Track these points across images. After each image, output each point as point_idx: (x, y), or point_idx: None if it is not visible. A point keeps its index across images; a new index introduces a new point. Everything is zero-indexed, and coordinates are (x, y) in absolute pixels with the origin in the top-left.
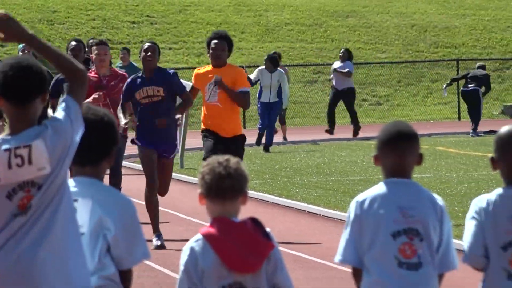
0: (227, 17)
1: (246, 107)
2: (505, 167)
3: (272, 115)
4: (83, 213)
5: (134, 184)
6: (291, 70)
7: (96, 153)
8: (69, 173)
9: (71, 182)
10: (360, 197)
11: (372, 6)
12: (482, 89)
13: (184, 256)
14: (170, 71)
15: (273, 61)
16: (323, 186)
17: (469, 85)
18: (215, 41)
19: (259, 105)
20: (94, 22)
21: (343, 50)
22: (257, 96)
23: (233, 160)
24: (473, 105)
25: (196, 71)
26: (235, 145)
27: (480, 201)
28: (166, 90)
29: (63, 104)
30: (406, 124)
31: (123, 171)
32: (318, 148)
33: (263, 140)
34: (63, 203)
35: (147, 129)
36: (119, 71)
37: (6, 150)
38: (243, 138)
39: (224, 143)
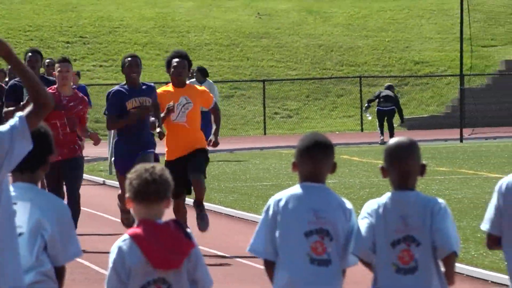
0: (152, 38)
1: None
2: (392, 175)
3: (203, 123)
4: (22, 214)
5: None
6: None
7: (33, 161)
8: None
9: (10, 188)
10: (277, 196)
11: (284, 29)
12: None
13: (112, 255)
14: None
15: (203, 72)
16: (238, 191)
17: (386, 104)
18: (177, 59)
19: None
20: (32, 42)
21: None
22: None
23: (158, 167)
24: (388, 121)
25: (158, 91)
26: (197, 155)
27: (371, 204)
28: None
29: (14, 120)
30: (323, 136)
31: None
32: (234, 157)
33: None
34: (1, 206)
35: (131, 138)
36: (79, 94)
37: None
38: (205, 151)
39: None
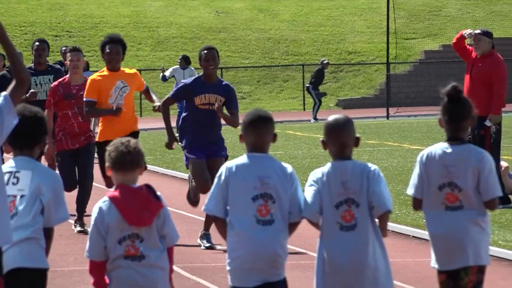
0: (128, 32)
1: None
2: (332, 147)
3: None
4: (25, 180)
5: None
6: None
7: (31, 140)
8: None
9: (12, 161)
10: (228, 164)
11: (238, 24)
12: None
13: (94, 214)
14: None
15: (187, 60)
16: None
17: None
18: (110, 45)
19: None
20: (26, 36)
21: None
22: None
23: (133, 141)
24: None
25: (92, 77)
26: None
27: (316, 173)
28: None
29: (1, 99)
30: (264, 111)
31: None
32: None
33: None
34: None
35: (200, 132)
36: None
37: None
38: (137, 133)
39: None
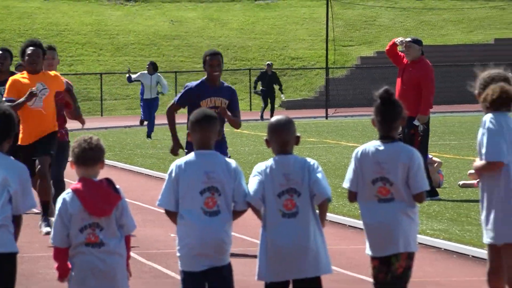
0: (90, 39)
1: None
2: (274, 145)
3: (153, 109)
4: None
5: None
6: None
7: (1, 136)
8: None
9: None
10: (178, 161)
11: (191, 32)
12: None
13: (58, 204)
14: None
15: (154, 66)
16: (155, 157)
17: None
18: (32, 48)
19: (141, 102)
20: None
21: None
22: (140, 93)
23: (95, 138)
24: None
25: (13, 77)
26: (48, 139)
27: (260, 165)
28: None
29: None
30: (209, 110)
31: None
32: (156, 130)
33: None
34: None
35: None
36: (64, 79)
37: None
38: (56, 133)
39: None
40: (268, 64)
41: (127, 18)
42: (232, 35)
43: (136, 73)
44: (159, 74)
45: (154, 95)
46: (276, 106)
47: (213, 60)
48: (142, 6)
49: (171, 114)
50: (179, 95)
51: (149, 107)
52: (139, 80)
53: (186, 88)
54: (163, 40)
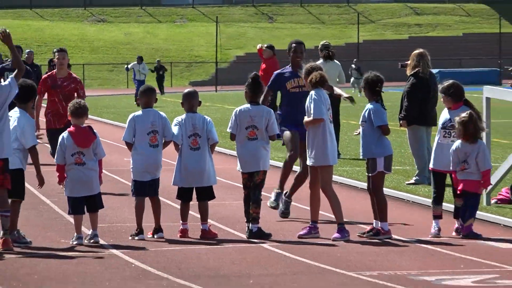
0: (76, 44)
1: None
2: (186, 106)
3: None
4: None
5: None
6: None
7: (26, 98)
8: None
9: (16, 110)
10: (134, 114)
11: (136, 40)
12: None
13: (60, 139)
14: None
15: (141, 58)
16: (118, 113)
17: None
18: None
19: (136, 83)
20: None
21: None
22: (132, 77)
23: (83, 101)
24: None
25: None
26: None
27: (178, 118)
28: None
29: (10, 78)
30: (149, 85)
31: None
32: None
33: None
34: (5, 114)
35: (295, 114)
36: (73, 75)
37: None
38: None
39: None
40: (158, 60)
41: (100, 31)
42: (161, 42)
43: (129, 63)
44: (144, 63)
45: (142, 77)
46: (186, 84)
47: (297, 48)
48: (107, 24)
49: (265, 100)
50: (269, 82)
51: (140, 84)
52: (132, 68)
53: (274, 74)
54: (120, 45)
